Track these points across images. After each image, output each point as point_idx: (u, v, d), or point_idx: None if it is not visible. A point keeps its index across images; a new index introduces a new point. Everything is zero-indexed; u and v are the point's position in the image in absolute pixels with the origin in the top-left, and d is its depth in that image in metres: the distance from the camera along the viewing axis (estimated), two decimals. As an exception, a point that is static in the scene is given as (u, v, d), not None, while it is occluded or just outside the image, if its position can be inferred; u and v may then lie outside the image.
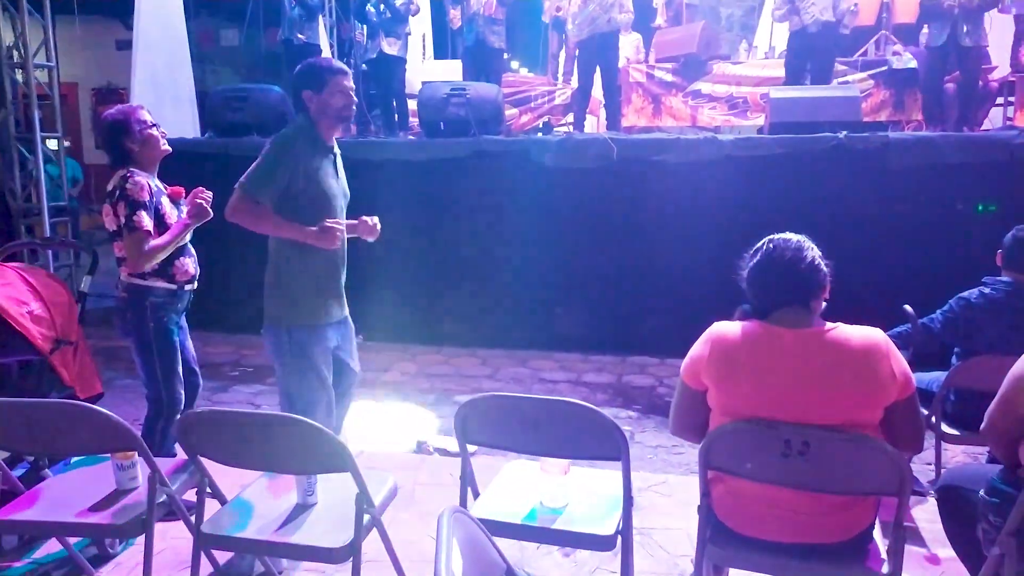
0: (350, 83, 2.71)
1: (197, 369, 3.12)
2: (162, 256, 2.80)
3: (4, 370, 2.91)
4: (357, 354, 2.98)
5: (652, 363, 5.10)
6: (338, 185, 2.79)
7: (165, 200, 2.88)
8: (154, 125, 2.89)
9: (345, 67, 2.74)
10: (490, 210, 5.43)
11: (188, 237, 2.90)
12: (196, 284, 3.00)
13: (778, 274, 1.88)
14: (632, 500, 2.14)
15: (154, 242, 2.75)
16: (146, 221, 2.73)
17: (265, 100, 6.05)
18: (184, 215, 2.87)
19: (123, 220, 2.74)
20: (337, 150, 2.81)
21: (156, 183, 2.89)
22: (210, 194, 2.87)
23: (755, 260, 1.93)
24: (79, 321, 3.07)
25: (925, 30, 7.74)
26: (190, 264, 2.93)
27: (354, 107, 2.76)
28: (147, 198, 2.75)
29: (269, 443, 2.02)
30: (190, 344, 3.09)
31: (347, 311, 2.89)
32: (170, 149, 2.94)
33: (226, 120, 6.00)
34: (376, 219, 2.92)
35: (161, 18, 6.96)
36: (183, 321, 3.04)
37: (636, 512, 2.64)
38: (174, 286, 2.88)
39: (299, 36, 6.89)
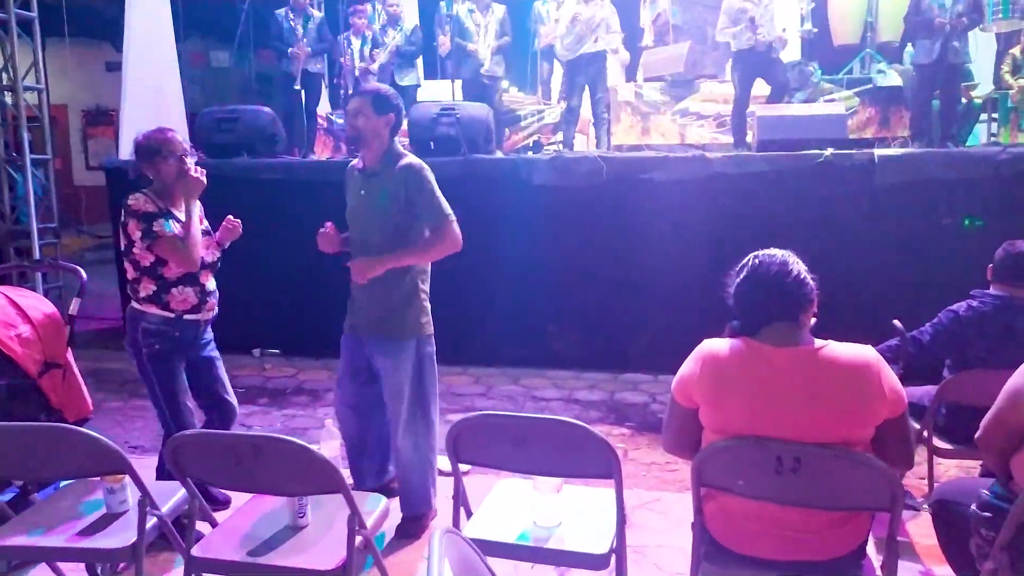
0: (351, 107, 2.90)
1: (228, 398, 3.08)
2: (201, 252, 2.81)
3: (-8, 394, 2.89)
4: None
5: (645, 380, 5.10)
6: (355, 201, 3.00)
7: (174, 224, 2.82)
8: (176, 155, 2.84)
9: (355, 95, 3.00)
10: (481, 229, 5.38)
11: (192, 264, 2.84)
12: (205, 315, 2.94)
13: (765, 290, 1.89)
14: (625, 518, 2.13)
15: (183, 244, 2.76)
16: (164, 228, 2.75)
17: (256, 121, 6.06)
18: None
19: (138, 236, 2.73)
20: (371, 169, 2.95)
21: (172, 208, 2.86)
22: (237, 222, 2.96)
23: (741, 276, 1.94)
24: (68, 343, 3.05)
25: (910, 48, 7.87)
26: (192, 293, 2.85)
27: (354, 132, 2.91)
28: (154, 209, 2.76)
29: (259, 465, 2.00)
30: (221, 374, 3.07)
31: None
32: (198, 184, 2.87)
33: (217, 141, 6.00)
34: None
35: (151, 40, 6.97)
36: (210, 351, 3.03)
37: (630, 530, 2.63)
38: (170, 314, 2.82)
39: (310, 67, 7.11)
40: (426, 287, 3.01)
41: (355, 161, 3.06)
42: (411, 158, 2.92)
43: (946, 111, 6.24)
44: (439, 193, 2.88)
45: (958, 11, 5.78)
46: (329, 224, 2.99)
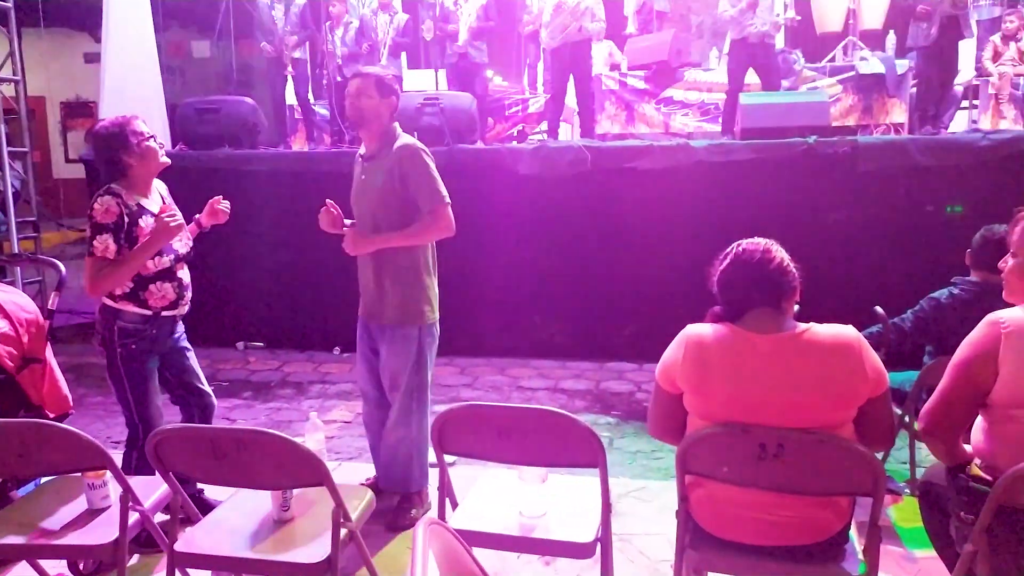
0: (353, 88, 2.92)
1: (205, 388, 3.03)
2: (118, 282, 2.65)
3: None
4: None
5: (630, 369, 5.12)
6: (356, 184, 3.03)
7: (149, 220, 2.68)
8: (151, 136, 2.74)
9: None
10: (465, 219, 5.37)
11: (166, 260, 2.72)
12: (182, 310, 2.85)
13: (747, 276, 1.90)
14: (610, 507, 2.14)
15: (108, 268, 2.60)
16: (104, 246, 2.58)
17: (237, 112, 6.01)
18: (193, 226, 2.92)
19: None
20: (370, 153, 2.98)
21: (143, 200, 2.73)
22: (176, 210, 2.71)
23: (724, 264, 1.95)
24: (47, 339, 3.01)
25: (892, 35, 7.90)
26: (170, 289, 2.75)
27: (355, 112, 2.92)
28: (112, 220, 2.59)
29: (243, 459, 1.99)
30: (194, 365, 2.99)
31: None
32: (168, 161, 2.79)
33: (197, 132, 5.94)
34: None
35: (130, 30, 6.86)
36: (182, 343, 2.94)
37: (616, 518, 2.64)
38: (147, 311, 2.71)
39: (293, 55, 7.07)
40: (431, 275, 3.02)
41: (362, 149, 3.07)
42: (408, 139, 2.92)
43: (944, 93, 6.22)
44: (436, 175, 2.88)
45: None
46: (330, 202, 2.99)
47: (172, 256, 2.75)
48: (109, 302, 2.72)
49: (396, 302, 2.94)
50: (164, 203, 2.81)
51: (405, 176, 2.84)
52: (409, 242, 2.90)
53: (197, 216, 3.02)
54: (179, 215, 2.69)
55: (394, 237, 2.88)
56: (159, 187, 2.89)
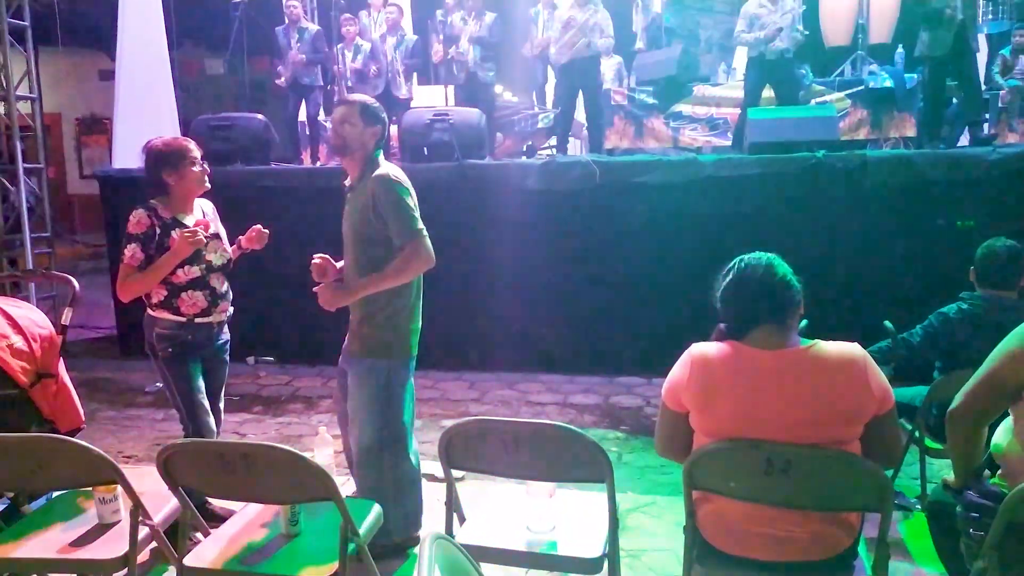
0: (338, 115, 2.80)
1: (219, 405, 3.12)
2: (144, 288, 2.84)
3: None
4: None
5: (639, 383, 5.10)
6: (343, 219, 2.88)
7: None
8: (199, 162, 2.91)
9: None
10: (474, 234, 5.44)
11: (196, 270, 2.86)
12: (218, 317, 2.98)
13: (751, 292, 1.90)
14: (617, 522, 2.14)
15: (136, 275, 2.81)
16: (131, 254, 2.79)
17: (250, 129, 6.06)
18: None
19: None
20: (352, 184, 2.85)
21: (180, 215, 2.91)
22: (199, 231, 2.83)
23: (727, 280, 1.95)
24: (60, 354, 3.04)
25: (900, 49, 7.91)
26: (202, 297, 2.90)
27: (338, 140, 2.79)
28: (141, 231, 2.80)
29: (251, 473, 2.00)
30: (222, 381, 3.12)
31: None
32: (208, 187, 2.96)
33: (211, 149, 5.96)
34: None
35: (144, 48, 6.98)
36: (223, 354, 3.08)
37: (624, 533, 2.64)
38: (181, 318, 2.88)
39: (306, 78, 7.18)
40: (404, 303, 2.78)
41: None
42: (385, 168, 2.74)
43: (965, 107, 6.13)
44: (409, 205, 2.69)
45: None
46: (319, 257, 2.85)
47: (203, 267, 2.90)
48: (149, 311, 2.91)
49: (360, 333, 2.79)
50: (200, 219, 2.97)
51: (379, 209, 2.67)
52: (387, 285, 2.69)
53: (240, 237, 3.12)
54: (200, 233, 2.82)
55: (370, 284, 2.69)
56: (204, 205, 3.07)
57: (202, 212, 3.03)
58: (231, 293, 3.06)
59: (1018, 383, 1.85)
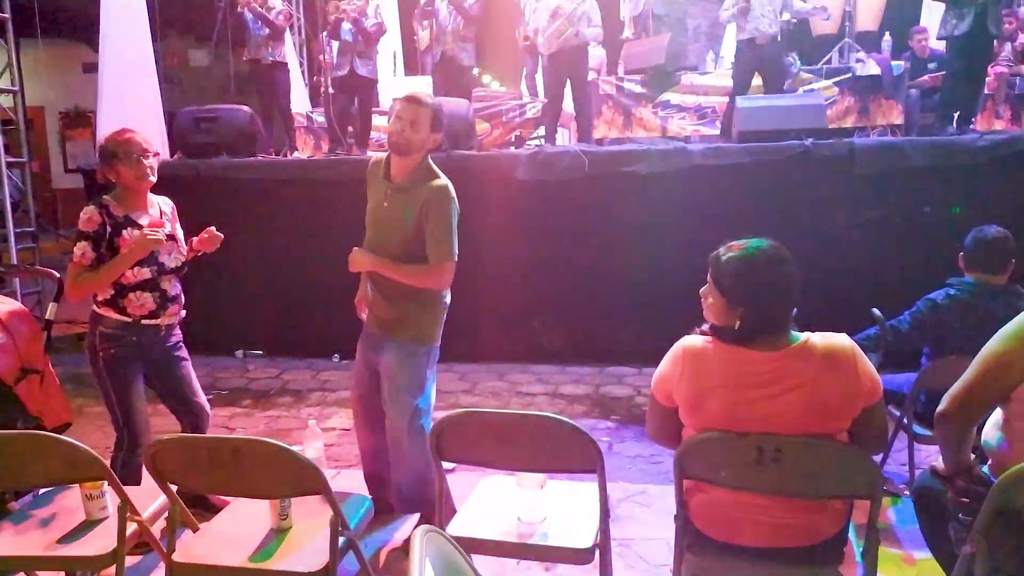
0: (406, 112, 2.72)
1: (198, 400, 3.03)
2: (94, 288, 2.73)
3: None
4: None
5: (630, 373, 5.11)
6: (377, 206, 2.86)
7: (135, 232, 2.73)
8: (145, 153, 2.77)
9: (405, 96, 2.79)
10: (463, 225, 5.39)
11: (147, 272, 2.76)
12: (167, 320, 2.87)
13: (767, 301, 1.85)
14: (609, 512, 2.14)
15: (86, 275, 2.69)
16: (81, 252, 2.67)
17: (235, 120, 6.02)
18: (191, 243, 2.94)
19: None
20: (400, 183, 2.80)
21: (134, 213, 2.78)
22: (162, 229, 2.78)
23: (738, 277, 1.88)
24: (45, 349, 3.01)
25: (887, 37, 7.92)
26: (150, 299, 2.79)
27: (401, 140, 2.73)
28: (92, 229, 2.69)
29: (241, 468, 1.99)
30: (188, 375, 3.00)
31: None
32: (153, 180, 2.82)
33: (195, 141, 5.95)
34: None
35: (127, 39, 6.88)
36: (176, 352, 2.96)
37: (615, 523, 2.64)
38: (127, 319, 2.76)
39: (268, 56, 6.89)
40: (446, 299, 2.93)
41: (376, 158, 2.92)
42: (443, 180, 2.79)
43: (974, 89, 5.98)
44: (454, 227, 2.75)
45: None
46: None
47: (155, 268, 2.78)
48: (94, 308, 2.79)
49: (412, 320, 2.83)
50: (155, 219, 2.84)
51: (427, 217, 2.72)
52: (403, 280, 2.76)
53: (192, 239, 3.01)
54: (160, 234, 2.72)
55: (399, 271, 2.75)
56: (162, 203, 2.95)
57: (159, 211, 2.91)
58: (183, 296, 2.94)
59: (1007, 387, 1.85)
